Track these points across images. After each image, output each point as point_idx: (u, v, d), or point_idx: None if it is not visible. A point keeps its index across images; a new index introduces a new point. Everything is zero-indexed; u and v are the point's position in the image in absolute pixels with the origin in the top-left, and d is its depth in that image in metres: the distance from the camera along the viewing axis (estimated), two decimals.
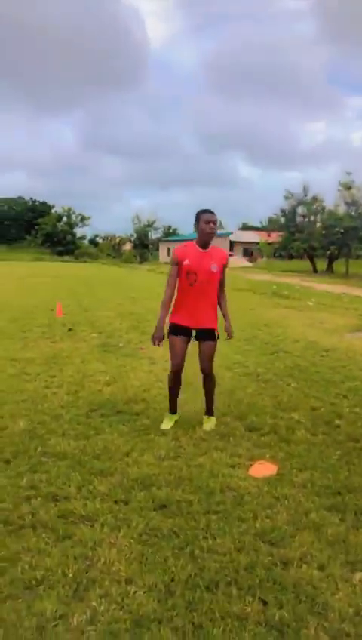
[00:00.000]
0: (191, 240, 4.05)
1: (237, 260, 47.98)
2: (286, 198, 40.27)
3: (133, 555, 2.40)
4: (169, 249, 60.47)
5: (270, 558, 2.41)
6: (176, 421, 4.20)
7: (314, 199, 39.44)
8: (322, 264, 40.45)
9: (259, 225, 70.53)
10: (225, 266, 4.06)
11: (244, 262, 48.31)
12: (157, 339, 3.99)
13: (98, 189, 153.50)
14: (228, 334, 4.26)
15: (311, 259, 40.22)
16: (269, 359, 6.81)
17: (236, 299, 15.29)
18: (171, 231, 74.56)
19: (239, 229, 75.65)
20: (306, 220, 40.36)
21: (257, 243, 55.57)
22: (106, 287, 18.36)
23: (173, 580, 2.24)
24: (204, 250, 3.98)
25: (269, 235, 52.38)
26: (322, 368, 6.34)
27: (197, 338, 4.09)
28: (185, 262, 3.92)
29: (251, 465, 3.42)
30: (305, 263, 42.81)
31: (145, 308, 11.98)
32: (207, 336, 4.08)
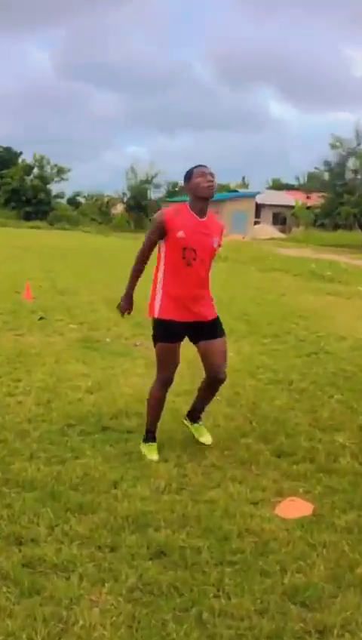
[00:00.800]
0: (183, 202, 4.02)
1: (265, 229, 47.86)
2: (332, 147, 40.08)
3: (122, 617, 2.42)
4: None
5: (302, 624, 2.42)
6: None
7: None
8: None
9: (294, 183, 70.13)
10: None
11: (275, 231, 48.18)
12: (124, 309, 4.30)
13: (81, 133, 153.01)
14: None
15: None
16: (305, 362, 6.82)
17: (262, 281, 15.30)
18: (177, 189, 74.43)
19: (268, 187, 75.44)
20: (359, 176, 40.11)
21: (292, 207, 55.37)
22: (90, 262, 18.40)
23: None
24: (202, 219, 3.97)
25: (308, 197, 52.15)
26: None
27: (198, 335, 4.07)
28: (179, 234, 3.88)
29: (279, 502, 3.44)
30: (356, 235, 42.63)
31: (141, 291, 11.99)
32: (214, 329, 4.10)
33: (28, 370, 6.00)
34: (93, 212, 66.98)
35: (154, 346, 4.11)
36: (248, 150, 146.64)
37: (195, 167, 3.98)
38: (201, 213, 3.96)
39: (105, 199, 71.14)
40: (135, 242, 33.97)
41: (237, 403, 5.19)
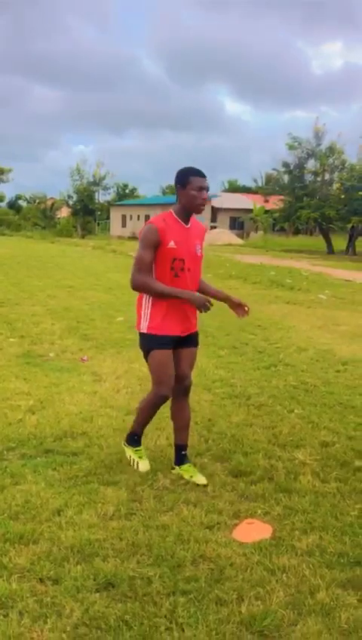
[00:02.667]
0: (167, 210, 4.05)
1: (222, 235, 48.33)
2: (290, 147, 40.70)
3: None
4: (124, 217, 60.50)
5: None
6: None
7: (331, 150, 39.99)
8: (340, 242, 41.14)
9: (252, 185, 71.20)
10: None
11: (232, 237, 48.72)
12: (204, 302, 3.90)
13: (23, 131, 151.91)
14: (244, 307, 4.45)
15: (326, 234, 40.87)
16: (264, 375, 6.90)
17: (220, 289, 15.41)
18: (128, 191, 74.62)
19: (224, 190, 76.28)
20: (319, 179, 40.95)
21: (250, 210, 56.11)
22: (32, 271, 18.22)
23: None
24: (187, 226, 4.04)
25: (267, 201, 52.96)
26: (337, 388, 6.47)
27: (178, 343, 4.12)
28: (171, 244, 3.92)
29: (236, 525, 3.46)
30: (317, 240, 43.50)
31: (88, 302, 11.97)
32: (192, 340, 4.22)
33: None
34: (36, 216, 66.52)
35: (147, 359, 4.09)
36: (202, 150, 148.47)
37: (193, 172, 3.94)
38: (187, 220, 4.04)
39: (49, 202, 70.72)
40: (81, 249, 33.79)
41: (192, 420, 5.18)
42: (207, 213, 53.71)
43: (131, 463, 4.23)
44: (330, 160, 40.23)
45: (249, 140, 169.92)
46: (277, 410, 5.63)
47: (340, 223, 40.05)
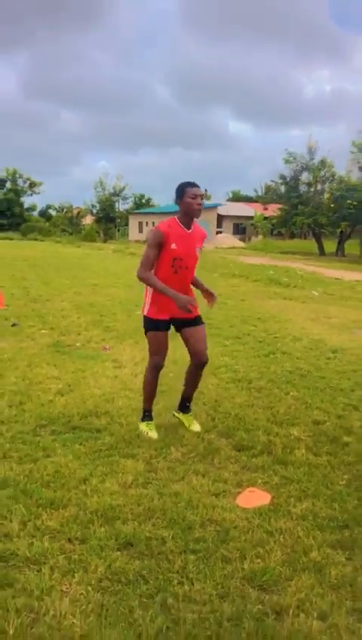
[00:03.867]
0: (172, 216, 4.24)
1: (227, 239, 48.20)
2: (286, 161, 40.64)
3: (91, 605, 2.41)
4: (141, 224, 60.40)
5: (260, 606, 2.45)
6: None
7: (322, 163, 39.83)
8: (331, 245, 40.95)
9: (253, 195, 70.79)
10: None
11: (235, 241, 48.56)
12: (185, 304, 3.99)
13: (50, 149, 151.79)
14: (212, 295, 4.45)
15: (318, 238, 40.70)
16: (264, 362, 6.88)
17: (223, 287, 15.38)
18: (144, 201, 74.44)
19: (229, 199, 75.94)
20: (312, 189, 40.77)
21: (251, 217, 55.89)
22: (61, 271, 18.24)
23: (140, 636, 2.26)
24: (189, 231, 4.21)
25: (266, 209, 52.72)
26: (328, 373, 6.44)
27: (180, 327, 4.36)
28: (173, 246, 4.12)
29: (239, 493, 3.46)
30: (310, 243, 43.30)
31: (109, 298, 11.97)
32: (196, 319, 4.37)
33: (0, 374, 5.92)
34: (64, 223, 66.47)
35: (146, 335, 4.39)
36: (209, 165, 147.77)
37: (187, 184, 4.15)
38: (188, 226, 4.22)
39: (75, 211, 70.71)
40: (104, 252, 33.76)
41: (200, 401, 5.20)
42: (213, 219, 53.51)
43: (145, 434, 4.31)
44: (322, 173, 40.09)
45: (250, 155, 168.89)
46: (275, 393, 5.61)
47: (330, 228, 39.89)
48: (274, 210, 46.23)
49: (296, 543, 2.94)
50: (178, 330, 4.41)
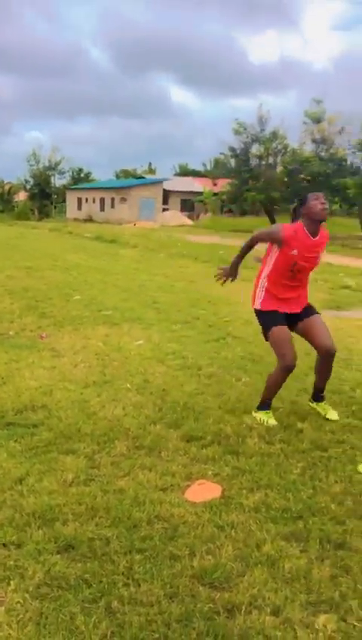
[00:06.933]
0: (299, 223, 4.48)
1: (174, 216, 48.14)
2: (236, 132, 40.58)
3: (29, 614, 2.40)
4: (80, 200, 59.62)
5: (211, 605, 2.49)
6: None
7: (274, 135, 40.07)
8: (284, 221, 41.34)
9: (201, 169, 70.99)
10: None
11: (183, 218, 48.57)
12: (227, 274, 4.84)
13: None
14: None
15: (270, 214, 41.11)
16: (214, 347, 6.94)
17: (171, 268, 15.40)
18: (83, 175, 73.43)
19: (175, 174, 75.83)
20: (263, 162, 41.04)
21: (200, 193, 55.99)
22: None
23: None
24: (314, 239, 4.47)
25: (215, 184, 52.97)
26: None
27: (295, 320, 4.63)
28: (294, 252, 4.41)
29: (188, 486, 3.50)
30: (263, 221, 43.66)
31: (45, 282, 11.78)
32: (308, 310, 4.68)
33: None
34: None
35: (267, 337, 4.64)
36: (152, 137, 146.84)
37: (309, 193, 4.47)
38: (315, 233, 4.44)
39: (7, 187, 69.09)
40: (39, 231, 33.13)
41: (147, 391, 5.21)
42: (158, 195, 53.38)
43: (262, 422, 4.51)
44: (274, 145, 40.33)
45: (196, 126, 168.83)
46: (226, 379, 5.68)
47: (284, 204, 40.31)
48: (223, 185, 46.42)
49: (248, 537, 3.00)
50: (293, 327, 4.63)
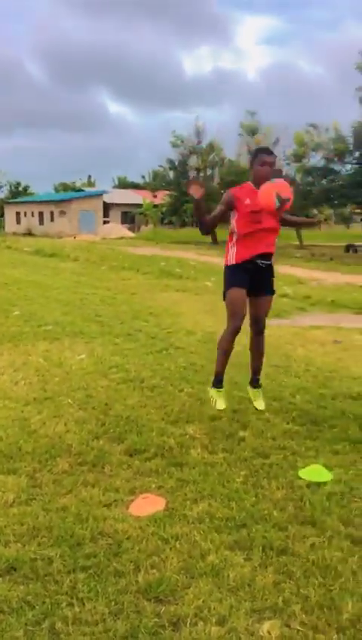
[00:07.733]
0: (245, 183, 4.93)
1: (115, 229, 48.05)
2: (173, 145, 41.02)
3: None
4: (18, 214, 58.75)
5: (156, 619, 2.47)
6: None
7: (211, 147, 40.63)
8: (223, 233, 41.90)
9: (140, 181, 71.06)
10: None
11: (124, 230, 48.51)
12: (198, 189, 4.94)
13: None
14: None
15: None
16: (156, 359, 6.94)
17: (113, 281, 15.35)
18: (21, 189, 72.49)
19: (114, 186, 75.79)
20: (201, 174, 41.51)
21: (140, 205, 56.05)
22: None
23: None
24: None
25: (155, 196, 53.14)
26: None
27: (257, 291, 4.96)
28: (246, 201, 4.78)
29: (132, 501, 3.48)
30: None
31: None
32: (269, 289, 5.11)
33: None
34: None
35: (224, 297, 4.90)
36: (91, 150, 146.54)
37: (261, 150, 4.97)
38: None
39: None
40: None
41: (90, 406, 5.16)
42: (98, 208, 53.15)
43: (212, 403, 4.87)
44: (211, 157, 40.90)
45: (134, 139, 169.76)
46: (169, 390, 5.68)
47: None
48: (163, 197, 46.67)
49: (192, 548, 2.99)
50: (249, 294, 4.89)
